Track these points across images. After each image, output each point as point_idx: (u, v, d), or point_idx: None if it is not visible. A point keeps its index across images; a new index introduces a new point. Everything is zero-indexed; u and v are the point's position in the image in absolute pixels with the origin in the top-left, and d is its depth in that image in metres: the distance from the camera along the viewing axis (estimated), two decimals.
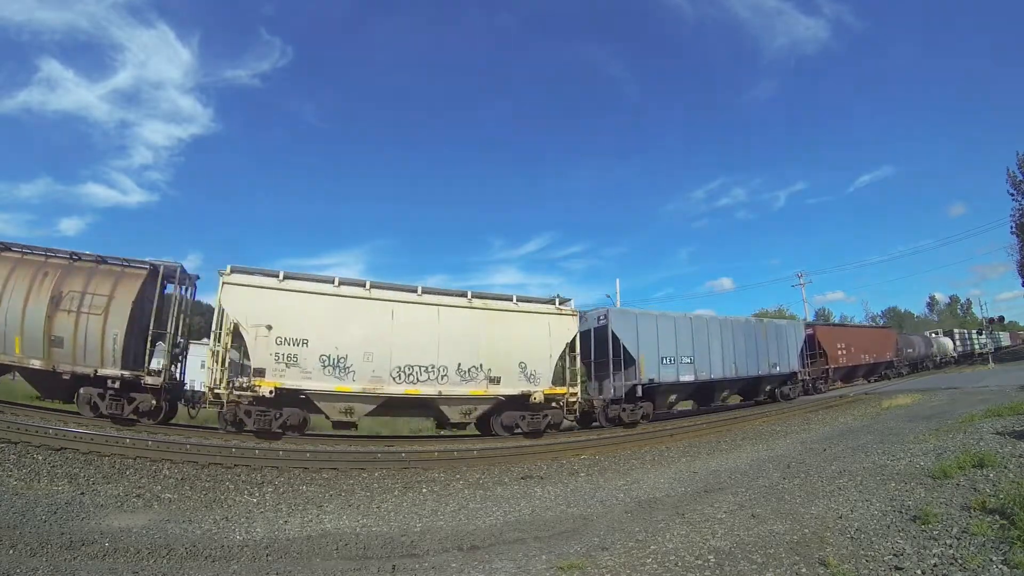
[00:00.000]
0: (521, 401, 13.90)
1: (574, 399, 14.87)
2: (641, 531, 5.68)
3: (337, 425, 12.66)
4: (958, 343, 48.58)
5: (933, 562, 4.08)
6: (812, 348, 25.04)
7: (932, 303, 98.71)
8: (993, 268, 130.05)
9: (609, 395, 16.15)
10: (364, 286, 12.74)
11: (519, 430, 13.83)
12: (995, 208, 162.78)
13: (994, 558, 3.99)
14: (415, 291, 13.28)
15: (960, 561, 4.03)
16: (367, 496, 8.17)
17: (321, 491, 8.29)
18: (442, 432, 15.10)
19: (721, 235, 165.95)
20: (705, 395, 19.96)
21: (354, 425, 12.88)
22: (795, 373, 22.56)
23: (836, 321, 43.28)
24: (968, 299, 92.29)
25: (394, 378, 12.51)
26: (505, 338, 13.90)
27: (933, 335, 46.95)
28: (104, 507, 6.62)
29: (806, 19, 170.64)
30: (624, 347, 16.24)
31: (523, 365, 14.01)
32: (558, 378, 14.89)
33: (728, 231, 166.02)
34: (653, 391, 16.89)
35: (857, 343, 29.04)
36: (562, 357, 14.88)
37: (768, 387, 21.67)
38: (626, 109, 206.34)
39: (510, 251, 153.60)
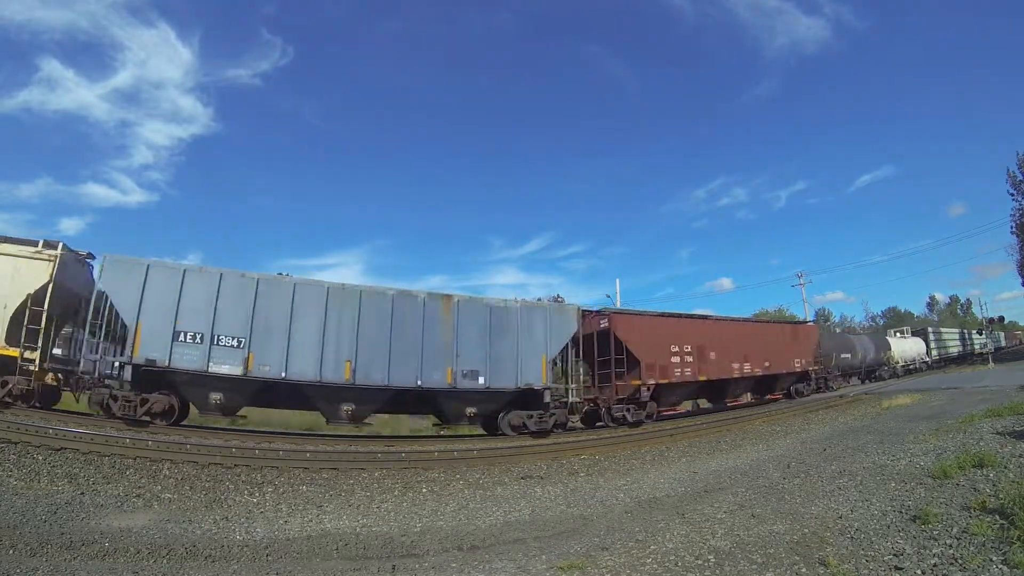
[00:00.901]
0: None
1: (31, 368, 11.29)
2: (641, 531, 5.69)
3: None
4: (947, 344, 41.81)
5: (933, 562, 4.08)
6: (608, 352, 15.69)
7: (932, 303, 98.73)
8: (993, 268, 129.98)
9: (92, 372, 11.61)
10: None
11: None
12: (995, 208, 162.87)
13: (994, 558, 3.99)
14: None
15: (960, 561, 4.03)
16: (367, 496, 8.18)
17: (321, 491, 8.29)
18: (442, 432, 14.95)
19: (721, 235, 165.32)
20: (299, 400, 12.65)
21: None
22: (538, 392, 13.83)
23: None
24: (968, 299, 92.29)
25: None
26: None
27: (898, 334, 38.72)
28: (104, 507, 6.62)
29: (807, 19, 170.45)
30: (115, 309, 11.44)
31: None
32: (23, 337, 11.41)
33: (728, 231, 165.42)
34: (171, 379, 11.51)
35: (725, 345, 18.76)
36: (23, 312, 11.33)
37: (469, 410, 13.43)
38: (626, 109, 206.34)
39: (510, 251, 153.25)
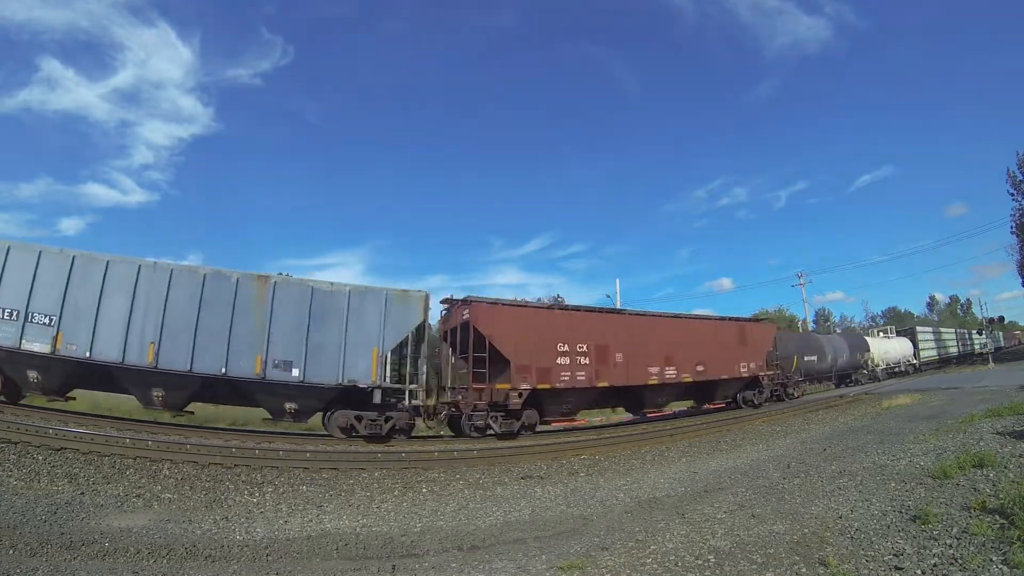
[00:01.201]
0: None
1: None
2: (641, 531, 5.69)
3: None
4: (940, 344, 39.07)
5: (933, 562, 4.08)
6: (465, 348, 13.68)
7: (932, 303, 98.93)
8: (993, 268, 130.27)
9: None
10: None
11: None
12: (995, 208, 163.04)
13: (994, 558, 3.99)
14: None
15: (960, 561, 4.03)
16: (367, 496, 8.18)
17: (321, 491, 8.29)
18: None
19: (721, 235, 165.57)
20: (111, 383, 11.97)
21: None
22: (368, 391, 12.26)
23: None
24: (968, 299, 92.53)
25: None
26: None
27: (881, 334, 35.89)
28: (104, 507, 6.62)
29: (807, 18, 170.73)
30: None
31: None
32: None
33: (728, 231, 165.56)
34: None
35: (639, 345, 15.96)
36: None
37: (289, 405, 12.13)
38: (627, 108, 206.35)
39: (511, 251, 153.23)
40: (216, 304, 11.79)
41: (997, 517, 4.68)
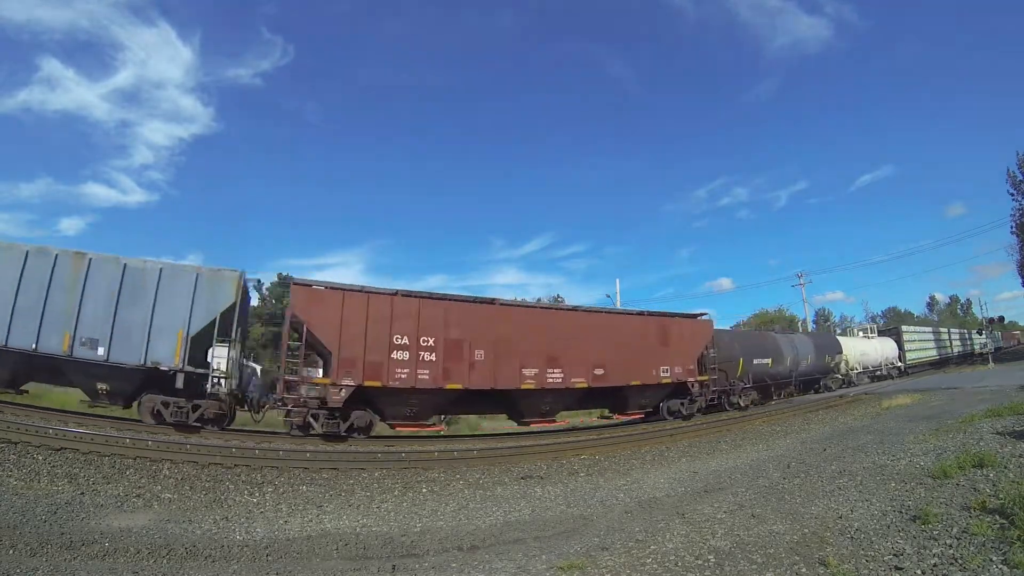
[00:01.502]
0: None
1: None
2: (641, 531, 5.69)
3: None
4: (934, 345, 36.89)
5: (933, 562, 4.08)
6: (299, 337, 12.50)
7: (932, 303, 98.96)
8: (993, 268, 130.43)
9: None
10: None
11: None
12: (995, 208, 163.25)
13: (994, 558, 3.99)
14: None
15: (960, 561, 4.03)
16: (367, 496, 8.18)
17: (321, 491, 8.29)
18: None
19: (722, 235, 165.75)
20: None
21: None
22: (169, 375, 11.64)
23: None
24: (968, 299, 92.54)
25: None
26: None
27: (861, 333, 32.92)
28: (104, 507, 6.62)
29: (808, 18, 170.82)
30: None
31: None
32: None
33: (729, 231, 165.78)
34: None
35: (511, 341, 13.85)
36: None
37: (101, 386, 11.89)
38: (627, 108, 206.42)
39: (511, 251, 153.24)
40: (34, 280, 11.64)
41: (997, 517, 4.68)
